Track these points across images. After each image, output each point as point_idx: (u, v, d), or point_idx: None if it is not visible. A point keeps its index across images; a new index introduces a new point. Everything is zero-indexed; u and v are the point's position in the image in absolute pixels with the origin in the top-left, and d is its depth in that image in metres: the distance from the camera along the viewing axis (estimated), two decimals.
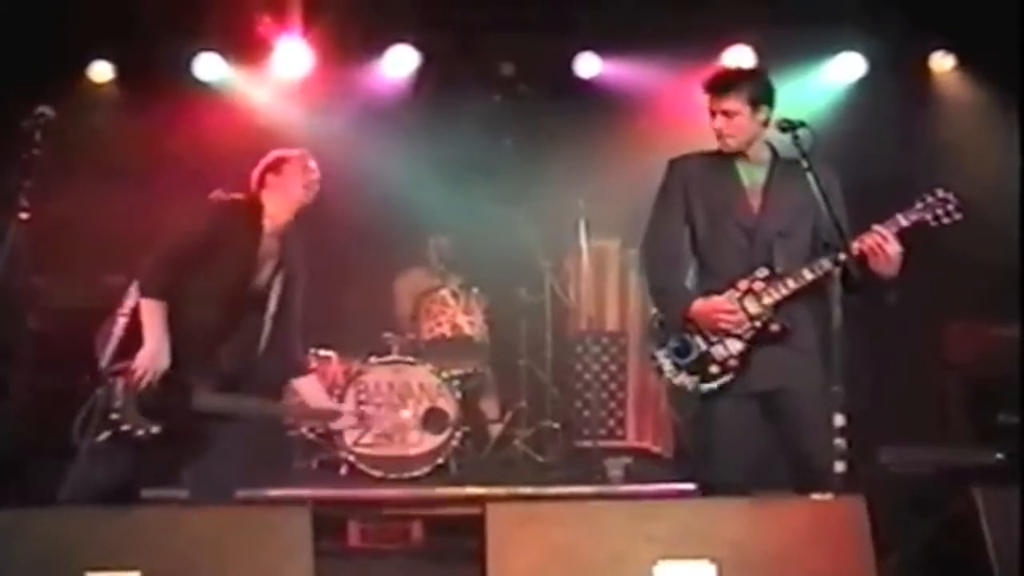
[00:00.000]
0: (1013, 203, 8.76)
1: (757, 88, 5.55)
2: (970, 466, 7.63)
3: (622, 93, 9.78)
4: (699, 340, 5.48)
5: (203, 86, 9.72)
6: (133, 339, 5.67)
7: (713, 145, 5.68)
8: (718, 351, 5.46)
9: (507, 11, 9.35)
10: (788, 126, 5.35)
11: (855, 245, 5.24)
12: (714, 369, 5.45)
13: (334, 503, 7.85)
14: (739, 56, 9.45)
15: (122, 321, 5.71)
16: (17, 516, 4.26)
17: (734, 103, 5.50)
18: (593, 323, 9.92)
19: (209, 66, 9.70)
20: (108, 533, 4.18)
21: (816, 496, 4.77)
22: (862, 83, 9.80)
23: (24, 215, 5.61)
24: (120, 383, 5.66)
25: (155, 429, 5.69)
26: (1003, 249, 8.85)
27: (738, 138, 5.52)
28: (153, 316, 5.67)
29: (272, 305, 6.09)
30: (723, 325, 5.42)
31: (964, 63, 9.85)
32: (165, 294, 5.70)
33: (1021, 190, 8.74)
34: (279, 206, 6.16)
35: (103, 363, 5.69)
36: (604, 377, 10.03)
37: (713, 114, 5.55)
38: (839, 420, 4.99)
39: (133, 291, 5.77)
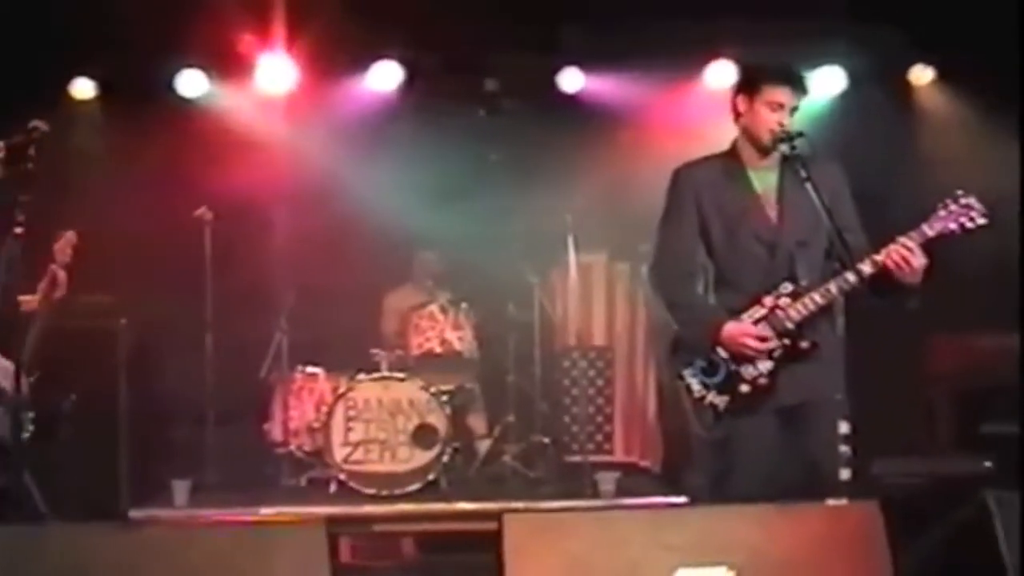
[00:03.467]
0: (995, 212, 8.77)
1: None
2: (959, 476, 7.65)
3: (606, 107, 9.78)
4: (727, 358, 5.35)
5: (186, 103, 9.68)
6: None
7: (688, 156, 5.63)
8: (747, 370, 5.33)
9: (491, 27, 9.31)
10: (785, 136, 5.31)
11: (880, 257, 5.16)
12: (744, 388, 5.33)
13: (329, 520, 7.80)
14: (722, 71, 9.49)
15: None
16: (26, 533, 4.21)
17: (799, 99, 5.42)
18: (580, 338, 9.89)
19: (192, 82, 9.66)
20: (118, 550, 4.14)
21: (831, 502, 4.75)
22: (843, 97, 9.83)
23: (19, 229, 5.59)
24: None
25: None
26: (987, 260, 8.88)
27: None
28: None
29: None
30: (752, 354, 5.30)
31: (943, 76, 9.91)
32: None
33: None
34: None
35: None
36: (591, 392, 10.04)
37: (773, 107, 5.37)
38: (843, 428, 4.98)
39: None
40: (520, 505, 7.98)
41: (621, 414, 10.13)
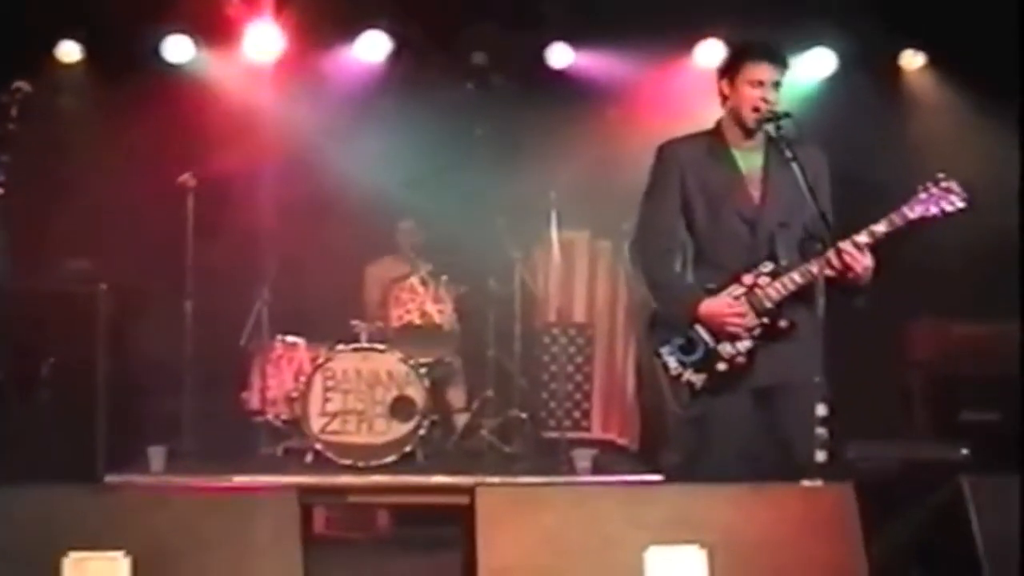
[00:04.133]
0: (979, 200, 8.77)
1: None
2: (935, 461, 7.66)
3: (594, 84, 9.75)
4: (705, 336, 5.36)
5: (172, 68, 9.60)
6: None
7: (675, 135, 5.63)
8: (725, 348, 5.33)
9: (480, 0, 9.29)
10: (772, 116, 5.30)
11: (829, 256, 5.15)
12: (721, 366, 5.34)
13: (303, 490, 7.80)
14: (711, 50, 9.45)
15: None
16: (2, 495, 4.19)
17: (781, 74, 5.42)
18: (561, 314, 9.86)
19: (179, 48, 9.56)
20: (93, 514, 4.12)
21: (806, 483, 4.74)
22: (833, 79, 9.80)
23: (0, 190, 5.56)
24: None
25: None
26: (968, 248, 8.89)
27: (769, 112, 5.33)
28: None
29: None
30: (732, 329, 5.30)
31: (934, 62, 9.89)
32: None
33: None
34: None
35: None
36: (570, 369, 10.00)
37: (754, 84, 5.36)
38: (821, 410, 4.96)
39: None
40: (496, 480, 7.97)
41: (600, 391, 10.10)
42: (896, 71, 9.97)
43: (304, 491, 7.62)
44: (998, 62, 8.87)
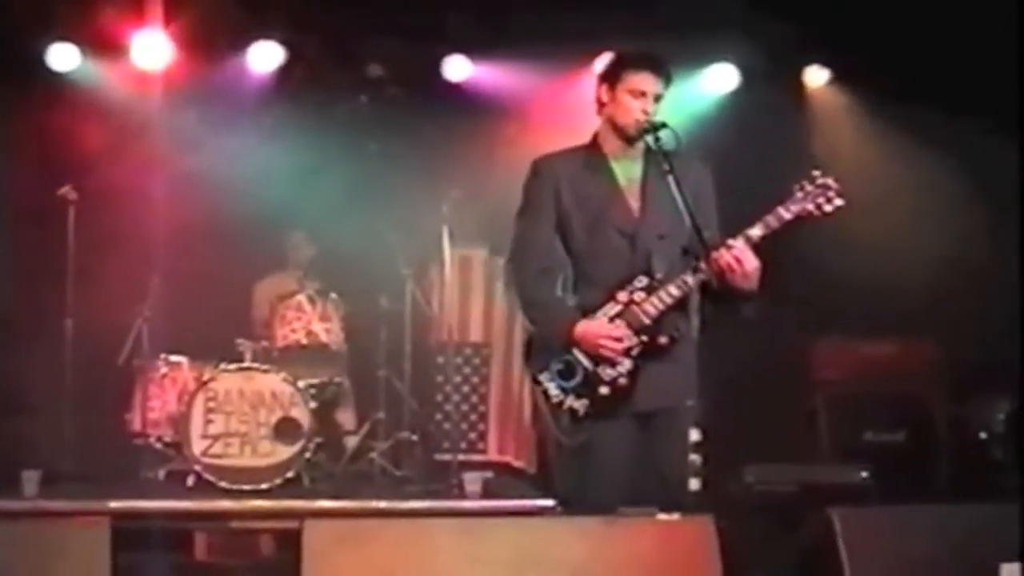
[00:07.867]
0: (883, 219, 8.68)
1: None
2: (835, 485, 7.55)
3: (492, 97, 9.62)
4: (583, 360, 5.12)
5: (57, 76, 9.33)
6: None
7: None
8: (606, 371, 5.10)
9: (376, 12, 9.07)
10: (649, 127, 5.14)
11: (703, 264, 4.99)
12: (604, 390, 5.10)
13: (182, 515, 7.55)
14: None
15: None
16: None
17: (663, 87, 5.23)
18: (455, 333, 9.54)
19: (64, 56, 9.30)
20: None
21: (663, 516, 4.50)
22: (736, 94, 9.73)
23: None
24: None
25: None
26: (872, 265, 8.80)
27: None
28: None
29: None
30: (607, 354, 5.07)
31: (839, 77, 9.80)
32: None
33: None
34: None
35: None
36: (465, 389, 9.75)
37: (635, 94, 5.20)
38: (694, 435, 4.77)
39: None
40: (383, 504, 7.74)
41: (496, 412, 9.85)
42: (800, 87, 9.87)
43: (185, 516, 7.57)
44: (903, 78, 8.81)
